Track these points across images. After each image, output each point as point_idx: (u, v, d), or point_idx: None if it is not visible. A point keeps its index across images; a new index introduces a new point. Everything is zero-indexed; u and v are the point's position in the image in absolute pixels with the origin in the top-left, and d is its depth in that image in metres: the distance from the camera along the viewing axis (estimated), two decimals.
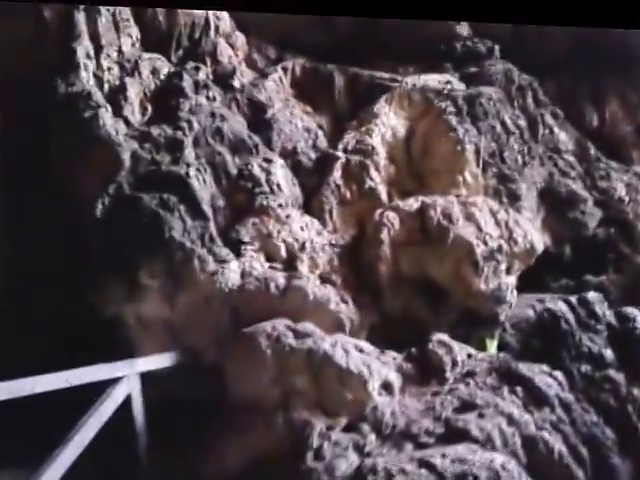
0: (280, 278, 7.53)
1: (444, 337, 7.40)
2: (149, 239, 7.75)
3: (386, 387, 6.86)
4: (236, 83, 9.19)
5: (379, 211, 8.18)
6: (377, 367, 6.89)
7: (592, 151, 10.20)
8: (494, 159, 8.82)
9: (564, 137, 9.76)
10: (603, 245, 9.51)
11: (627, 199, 9.96)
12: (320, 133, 9.12)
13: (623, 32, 10.82)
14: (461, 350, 7.39)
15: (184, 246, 7.67)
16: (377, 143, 8.79)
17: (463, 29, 10.11)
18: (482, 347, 7.81)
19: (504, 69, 9.68)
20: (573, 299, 7.93)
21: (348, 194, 8.57)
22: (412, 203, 8.23)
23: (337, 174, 8.58)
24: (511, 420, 6.54)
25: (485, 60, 9.87)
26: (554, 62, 10.41)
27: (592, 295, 7.81)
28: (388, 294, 7.87)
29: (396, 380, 6.95)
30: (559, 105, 10.05)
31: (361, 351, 7.06)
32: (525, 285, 8.53)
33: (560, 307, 7.69)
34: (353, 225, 8.40)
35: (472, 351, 7.50)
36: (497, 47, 10.02)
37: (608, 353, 7.45)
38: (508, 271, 8.06)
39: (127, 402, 7.05)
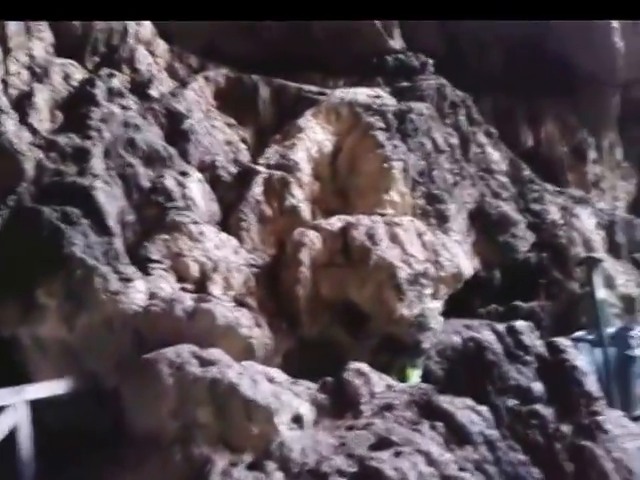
0: (188, 300, 6.82)
1: (362, 366, 6.77)
2: (48, 255, 6.99)
3: (297, 420, 6.23)
4: (154, 92, 8.49)
5: (299, 230, 7.55)
6: (288, 398, 6.24)
7: (526, 172, 9.76)
8: (423, 178, 8.26)
9: (497, 157, 9.26)
10: (535, 270, 9.03)
11: (561, 223, 9.49)
12: (242, 146, 8.47)
13: (562, 52, 10.51)
14: (380, 380, 6.78)
15: (85, 263, 6.92)
16: (301, 158, 8.17)
17: (396, 42, 9.58)
18: (403, 376, 7.19)
19: (437, 84, 9.15)
20: (501, 327, 7.37)
21: (269, 211, 7.92)
22: (335, 222, 7.63)
23: (258, 190, 7.92)
24: (430, 459, 5.94)
25: (418, 75, 9.32)
26: (490, 79, 9.95)
27: (521, 324, 7.27)
28: (306, 318, 7.26)
29: (308, 413, 6.31)
30: (493, 124, 9.56)
31: (271, 380, 6.41)
32: (452, 310, 7.98)
33: (487, 336, 7.12)
34: (273, 244, 7.75)
35: (392, 381, 6.89)
36: (430, 62, 9.48)
37: (537, 386, 6.90)
38: (434, 296, 7.51)
39: (13, 433, 6.25)
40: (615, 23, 10.34)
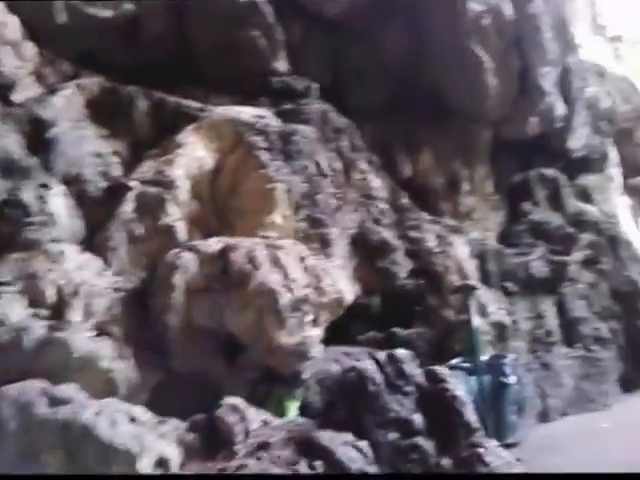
0: (39, 328, 5.60)
1: (237, 401, 5.79)
2: None
3: (161, 464, 5.15)
4: (17, 96, 7.16)
5: (174, 251, 6.49)
6: (152, 440, 5.19)
7: (404, 200, 9.18)
8: (306, 201, 7.45)
9: (378, 184, 8.62)
10: (412, 297, 8.41)
11: (437, 251, 8.97)
12: (114, 160, 7.32)
13: (438, 87, 10.13)
14: (256, 416, 5.81)
15: None
16: (179, 175, 7.14)
17: (281, 65, 8.78)
18: (282, 410, 6.26)
19: (321, 109, 8.41)
20: (382, 356, 6.63)
21: (140, 230, 6.83)
22: (213, 244, 6.65)
23: (129, 207, 6.82)
24: None
25: (302, 98, 8.54)
26: (371, 108, 9.37)
27: (402, 352, 6.56)
28: (178, 349, 6.20)
29: (174, 456, 5.24)
30: (374, 151, 8.93)
31: (134, 420, 5.29)
32: (332, 337, 7.15)
33: (368, 365, 6.35)
34: (143, 266, 6.66)
35: (269, 417, 5.92)
36: (315, 86, 8.74)
37: (417, 418, 6.18)
38: (315, 323, 6.64)
39: None
40: (488, 62, 10.09)
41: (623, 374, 10.61)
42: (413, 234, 9.06)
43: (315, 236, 7.31)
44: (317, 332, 6.75)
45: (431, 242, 9.12)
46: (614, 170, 14.21)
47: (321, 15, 9.51)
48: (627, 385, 10.51)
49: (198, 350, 6.22)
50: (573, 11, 13.22)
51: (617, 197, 14.13)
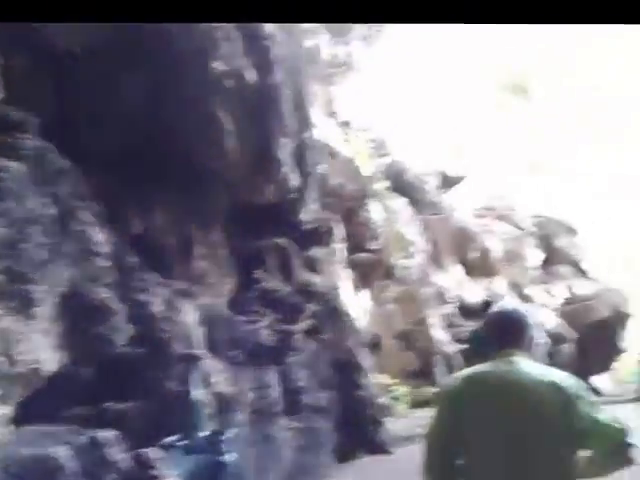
0: None
1: None
2: None
3: None
4: None
5: None
6: None
7: (131, 259, 8.31)
8: (7, 250, 6.17)
9: (101, 238, 7.60)
10: (130, 366, 7.48)
11: (164, 316, 8.23)
12: None
13: (179, 144, 9.58)
14: None
15: None
16: None
17: None
18: None
19: (39, 146, 7.23)
20: (83, 439, 5.63)
21: None
22: None
23: None
24: None
25: (16, 132, 7.28)
26: (103, 153, 8.45)
27: (104, 435, 5.65)
28: None
29: None
30: (101, 202, 7.95)
31: None
32: (27, 415, 5.92)
33: (61, 452, 5.30)
34: None
35: None
36: (34, 120, 7.55)
37: None
38: (2, 399, 5.39)
39: None
40: (229, 125, 9.85)
41: (339, 444, 10.74)
42: (138, 297, 8.20)
43: (14, 293, 6.07)
44: (4, 410, 5.51)
45: (157, 306, 8.36)
46: (339, 245, 15.00)
47: (53, 45, 8.43)
48: (342, 455, 10.65)
49: None
50: (310, 92, 13.83)
51: (340, 270, 14.86)
